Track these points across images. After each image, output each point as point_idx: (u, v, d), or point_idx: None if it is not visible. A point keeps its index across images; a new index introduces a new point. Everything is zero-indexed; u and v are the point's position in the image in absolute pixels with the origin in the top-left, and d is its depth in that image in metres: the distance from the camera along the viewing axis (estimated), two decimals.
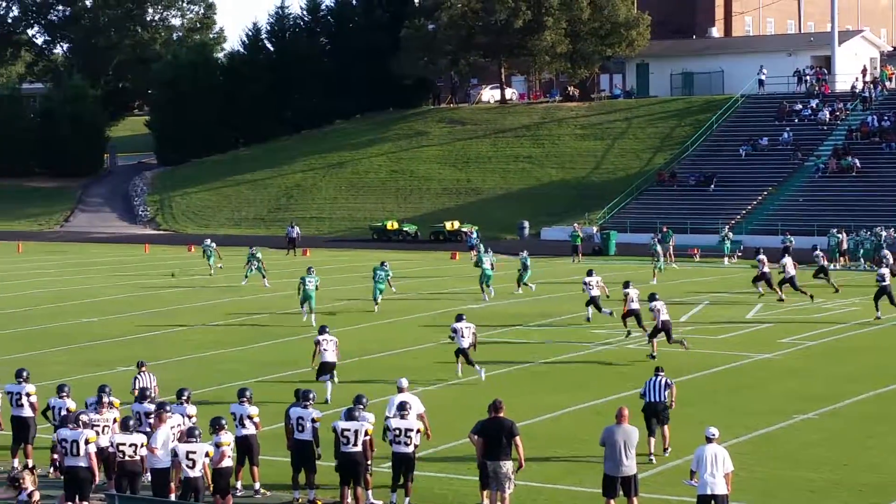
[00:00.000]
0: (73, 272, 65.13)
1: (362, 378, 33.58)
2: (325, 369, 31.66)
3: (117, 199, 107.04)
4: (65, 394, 24.17)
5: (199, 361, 37.00)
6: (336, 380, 31.99)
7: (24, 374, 25.32)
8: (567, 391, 32.14)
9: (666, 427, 25.49)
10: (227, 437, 21.56)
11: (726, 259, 68.46)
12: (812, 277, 54.46)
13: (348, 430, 21.75)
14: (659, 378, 25.63)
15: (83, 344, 40.47)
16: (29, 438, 24.78)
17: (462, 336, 33.64)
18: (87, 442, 21.28)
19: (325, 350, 31.69)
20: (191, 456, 20.77)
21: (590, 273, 45.18)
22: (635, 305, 39.85)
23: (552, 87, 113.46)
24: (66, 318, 47.15)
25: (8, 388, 25.08)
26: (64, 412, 23.67)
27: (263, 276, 57.41)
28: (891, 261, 54.83)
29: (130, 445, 21.43)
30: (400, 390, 24.06)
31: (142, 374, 26.57)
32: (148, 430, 22.39)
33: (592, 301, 44.21)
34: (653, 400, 25.44)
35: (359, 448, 21.73)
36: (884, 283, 45.08)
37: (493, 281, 52.36)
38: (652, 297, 37.77)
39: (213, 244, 64.68)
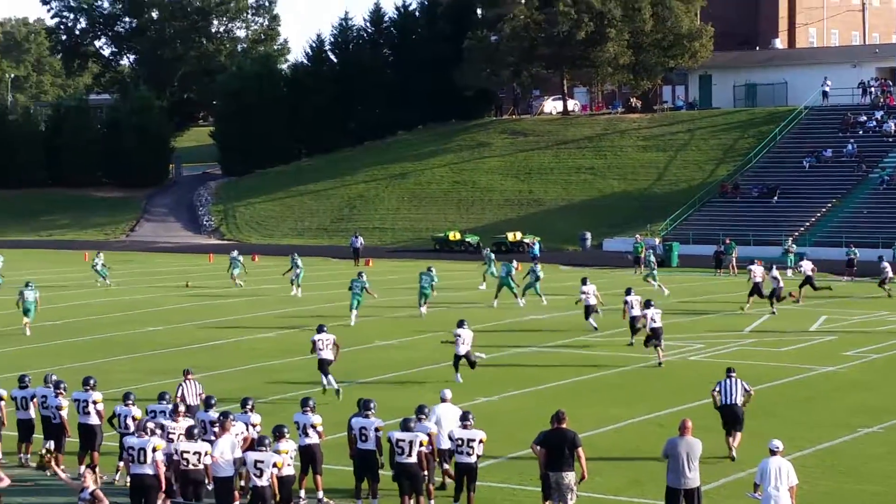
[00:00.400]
0: (138, 281, 65.67)
1: (426, 387, 33.69)
2: (322, 367, 32.95)
3: (182, 209, 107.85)
4: (130, 402, 24.47)
5: (262, 370, 37.22)
6: (333, 380, 32.85)
7: (91, 382, 25.58)
8: (630, 402, 32.11)
9: (739, 434, 25.84)
10: (287, 445, 21.68)
11: (789, 271, 67.99)
12: (797, 288, 54.75)
13: (403, 440, 21.82)
14: (731, 379, 26.26)
15: (148, 353, 40.80)
16: (95, 446, 25.01)
17: (463, 342, 34.62)
18: (154, 450, 21.47)
19: (321, 349, 32.98)
20: (258, 465, 20.89)
21: (584, 281, 46.15)
22: (636, 312, 40.44)
23: (614, 98, 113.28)
24: (132, 326, 47.54)
25: (75, 395, 25.35)
26: (130, 420, 23.99)
27: (296, 285, 58.03)
28: (889, 274, 56.35)
29: (194, 453, 21.54)
30: (443, 400, 24.31)
31: (187, 381, 26.87)
32: (212, 438, 22.54)
33: (588, 310, 45.17)
34: (728, 402, 26.05)
35: (413, 459, 21.80)
36: None
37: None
38: (647, 305, 38.42)
39: (240, 257, 64.14)
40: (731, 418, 25.98)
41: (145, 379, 34.96)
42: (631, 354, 39.65)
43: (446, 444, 23.06)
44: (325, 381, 32.64)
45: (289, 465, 21.57)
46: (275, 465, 20.91)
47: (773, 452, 20.25)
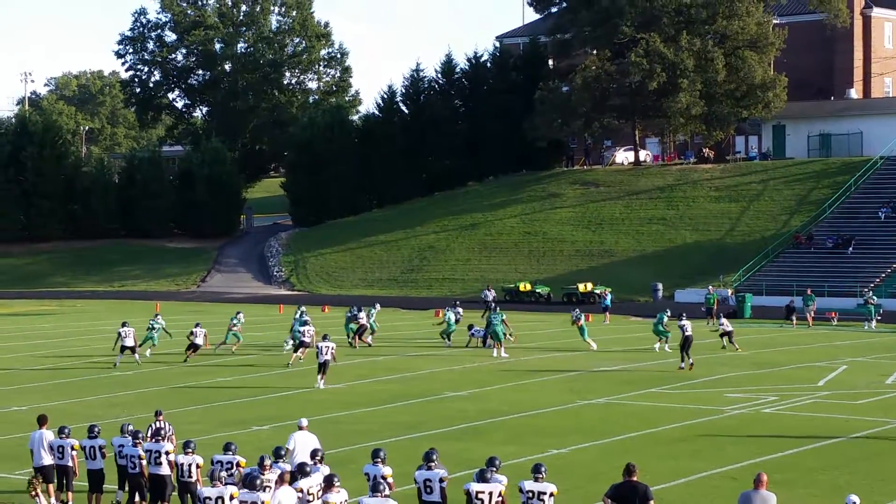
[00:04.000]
0: (209, 332, 65.68)
1: (497, 438, 33.47)
2: (125, 350, 50.04)
3: (253, 259, 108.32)
4: (190, 450, 24.57)
5: (331, 421, 37.07)
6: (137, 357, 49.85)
7: (162, 432, 25.63)
8: (702, 455, 31.69)
9: None
10: (338, 497, 21.41)
11: (873, 322, 67.23)
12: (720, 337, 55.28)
13: (483, 492, 21.57)
14: None
15: (217, 403, 40.85)
16: (165, 496, 25.05)
17: (322, 353, 43.49)
18: (231, 497, 21.36)
19: (125, 338, 49.77)
20: None
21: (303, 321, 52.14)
22: None
23: (687, 148, 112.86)
24: (202, 377, 47.67)
25: (147, 446, 25.39)
26: (194, 468, 24.21)
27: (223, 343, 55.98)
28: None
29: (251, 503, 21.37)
30: (300, 428, 26.35)
31: (157, 422, 27.22)
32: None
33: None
34: None
35: None
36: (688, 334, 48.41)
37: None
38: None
39: (162, 322, 55.75)
40: None
41: (215, 430, 34.91)
42: (702, 407, 39.20)
43: (288, 467, 23.11)
44: (118, 359, 49.85)
45: None
46: None
47: None
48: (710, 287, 74.72)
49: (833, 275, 79.66)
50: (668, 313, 56.16)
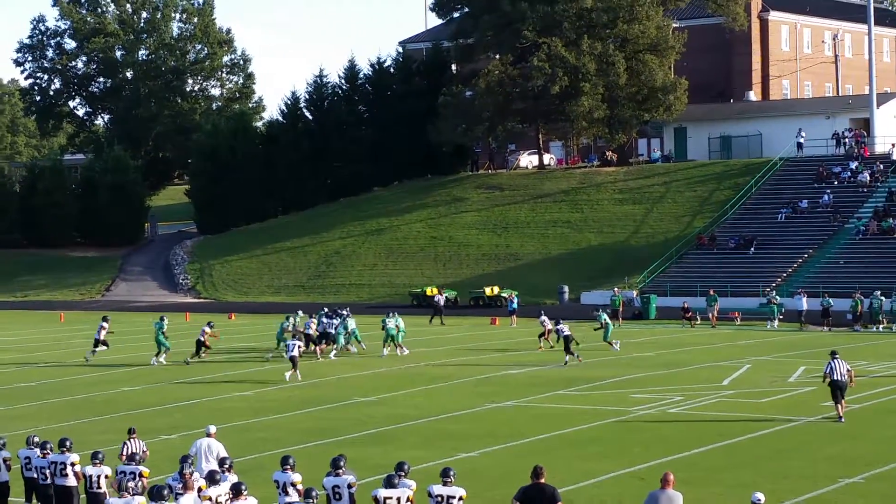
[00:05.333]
0: (114, 341, 65.14)
1: (407, 443, 33.51)
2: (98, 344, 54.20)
3: (158, 267, 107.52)
4: (98, 461, 24.33)
5: (239, 429, 36.92)
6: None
7: (68, 443, 25.36)
8: (609, 456, 31.94)
9: (843, 401, 35.64)
10: None
11: (776, 322, 68.04)
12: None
13: (390, 497, 21.56)
14: (836, 360, 35.63)
15: (124, 413, 40.49)
16: None
17: (290, 350, 47.64)
18: None
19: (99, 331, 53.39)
20: None
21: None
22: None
23: (590, 152, 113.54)
24: (108, 386, 47.24)
25: (52, 457, 25.10)
26: (102, 479, 24.05)
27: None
28: (548, 326, 56.90)
29: None
30: (208, 435, 26.52)
31: (131, 440, 26.90)
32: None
33: None
34: (836, 378, 35.45)
35: None
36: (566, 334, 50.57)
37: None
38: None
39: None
40: (837, 389, 35.39)
41: (122, 439, 34.53)
42: (609, 408, 39.49)
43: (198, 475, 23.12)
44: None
45: None
46: None
47: None
48: (616, 289, 75.31)
49: (736, 275, 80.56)
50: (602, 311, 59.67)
